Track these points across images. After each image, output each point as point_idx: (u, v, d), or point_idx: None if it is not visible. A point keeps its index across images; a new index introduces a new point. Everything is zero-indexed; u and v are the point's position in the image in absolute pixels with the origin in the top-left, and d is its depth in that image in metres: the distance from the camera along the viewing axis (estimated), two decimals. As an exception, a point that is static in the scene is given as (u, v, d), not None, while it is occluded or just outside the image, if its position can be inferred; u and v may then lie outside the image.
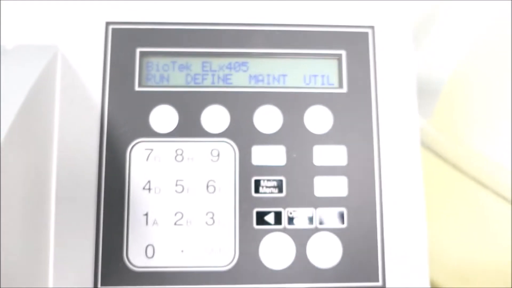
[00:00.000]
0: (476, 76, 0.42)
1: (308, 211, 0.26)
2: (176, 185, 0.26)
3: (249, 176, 0.26)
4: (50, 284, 0.25)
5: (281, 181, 0.26)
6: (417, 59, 0.51)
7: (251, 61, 0.28)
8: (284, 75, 0.28)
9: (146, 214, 0.26)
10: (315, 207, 0.26)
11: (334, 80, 0.28)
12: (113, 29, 0.27)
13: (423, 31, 0.49)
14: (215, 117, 0.27)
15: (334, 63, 0.28)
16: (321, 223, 0.26)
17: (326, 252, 0.26)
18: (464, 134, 0.41)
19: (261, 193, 0.26)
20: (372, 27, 0.28)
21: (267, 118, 0.27)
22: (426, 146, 0.38)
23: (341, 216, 0.26)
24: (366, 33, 0.28)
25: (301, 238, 0.26)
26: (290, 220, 0.26)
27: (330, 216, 0.26)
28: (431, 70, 0.53)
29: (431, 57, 0.53)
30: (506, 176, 0.34)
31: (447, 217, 0.43)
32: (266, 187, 0.26)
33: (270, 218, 0.26)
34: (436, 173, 0.41)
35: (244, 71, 0.28)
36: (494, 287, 0.41)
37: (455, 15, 0.50)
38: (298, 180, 0.26)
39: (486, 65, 0.41)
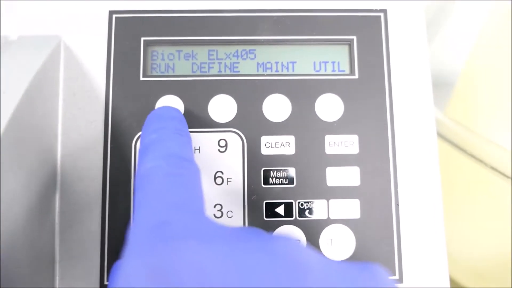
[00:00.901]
0: (488, 67, 0.41)
1: (320, 203, 0.25)
2: (183, 176, 0.25)
3: (258, 167, 0.25)
4: (57, 281, 0.24)
5: (291, 171, 0.25)
6: (431, 52, 0.50)
7: (258, 49, 0.27)
8: (293, 62, 0.27)
9: (153, 207, 0.25)
10: (327, 198, 0.25)
11: (345, 67, 0.27)
12: (117, 18, 0.26)
13: (436, 24, 0.48)
14: (222, 107, 0.26)
15: (345, 48, 0.27)
16: (333, 214, 0.25)
17: (339, 244, 0.25)
18: (480, 124, 0.40)
19: (271, 184, 0.25)
20: (384, 11, 0.27)
21: (276, 107, 0.26)
22: (442, 137, 0.37)
23: (354, 207, 0.25)
24: (378, 17, 0.27)
25: (313, 230, 0.25)
26: (302, 211, 0.25)
27: (342, 208, 0.25)
28: (445, 63, 0.52)
29: (445, 50, 0.52)
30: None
31: (465, 209, 0.42)
32: (276, 177, 0.25)
33: (280, 210, 0.25)
34: (454, 164, 0.40)
35: (252, 59, 0.27)
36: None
37: (466, 9, 0.49)
38: (309, 170, 0.25)
39: (498, 56, 0.40)
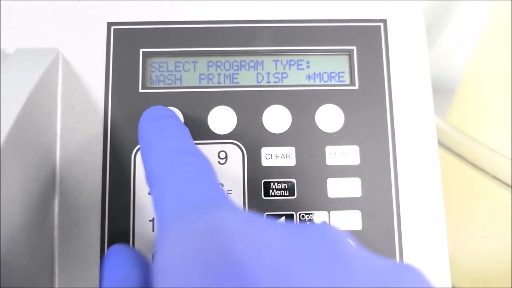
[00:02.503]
0: (488, 74, 0.41)
1: (322, 214, 0.25)
2: (183, 189, 0.25)
3: (258, 179, 0.25)
4: (55, 292, 0.24)
5: (292, 183, 0.25)
6: (431, 58, 0.50)
7: (258, 59, 0.27)
8: (293, 73, 0.27)
9: (152, 220, 0.25)
10: (329, 210, 0.25)
11: (346, 77, 0.27)
12: (115, 30, 0.26)
13: (436, 30, 0.48)
14: (222, 118, 0.26)
15: (345, 59, 0.27)
16: (335, 226, 0.25)
17: (341, 256, 0.25)
18: (479, 131, 0.40)
19: (271, 196, 0.25)
20: (384, 21, 0.27)
21: (276, 118, 0.26)
22: (442, 144, 0.37)
23: (356, 218, 0.25)
24: (378, 27, 0.27)
25: (314, 242, 0.25)
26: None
27: (344, 219, 0.25)
28: (445, 70, 0.52)
29: (445, 57, 0.52)
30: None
31: (465, 217, 0.42)
32: (277, 189, 0.25)
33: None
34: (454, 172, 0.40)
35: (251, 69, 0.27)
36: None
37: (466, 14, 0.49)
38: (310, 181, 0.25)
39: (498, 62, 0.40)
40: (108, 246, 0.24)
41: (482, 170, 0.34)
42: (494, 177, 0.32)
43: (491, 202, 0.39)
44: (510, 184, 0.32)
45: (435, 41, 0.50)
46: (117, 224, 0.25)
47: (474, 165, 0.34)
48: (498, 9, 0.40)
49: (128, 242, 0.24)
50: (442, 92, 0.47)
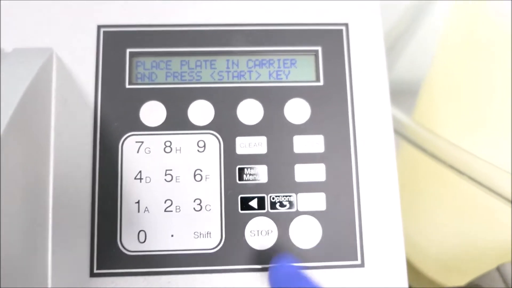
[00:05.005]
0: (450, 73, 0.44)
1: (290, 196, 0.28)
2: (166, 174, 0.28)
3: (233, 165, 0.28)
4: (49, 269, 0.27)
5: (263, 169, 0.28)
6: (396, 62, 0.53)
7: (233, 58, 0.30)
8: (264, 71, 0.30)
9: (138, 202, 0.27)
10: (296, 192, 0.28)
11: (312, 75, 0.30)
12: (105, 32, 0.29)
13: (399, 35, 0.52)
14: (200, 111, 0.29)
15: (311, 58, 0.30)
16: (301, 207, 0.28)
17: (307, 233, 0.28)
18: (442, 127, 0.43)
19: (245, 180, 0.28)
20: (346, 25, 0.30)
21: (250, 111, 0.29)
22: (408, 139, 0.40)
23: (321, 200, 0.28)
24: (341, 30, 0.30)
25: (283, 221, 0.28)
26: (273, 205, 0.28)
27: (310, 201, 0.28)
28: (409, 71, 0.56)
29: (409, 59, 0.55)
30: (482, 165, 0.36)
31: (430, 207, 0.45)
32: (250, 174, 0.28)
33: (254, 203, 0.28)
34: (418, 165, 0.43)
35: (227, 67, 0.29)
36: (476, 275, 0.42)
37: (426, 18, 0.52)
38: (279, 167, 0.28)
39: (459, 62, 0.43)
40: (98, 227, 0.27)
41: (442, 161, 0.37)
42: (451, 167, 0.35)
43: (453, 191, 0.42)
44: (466, 173, 0.35)
45: (406, 46, 0.54)
46: (106, 206, 0.27)
47: (434, 156, 0.37)
48: (456, 13, 0.44)
49: (116, 222, 0.27)
50: (409, 92, 0.50)
